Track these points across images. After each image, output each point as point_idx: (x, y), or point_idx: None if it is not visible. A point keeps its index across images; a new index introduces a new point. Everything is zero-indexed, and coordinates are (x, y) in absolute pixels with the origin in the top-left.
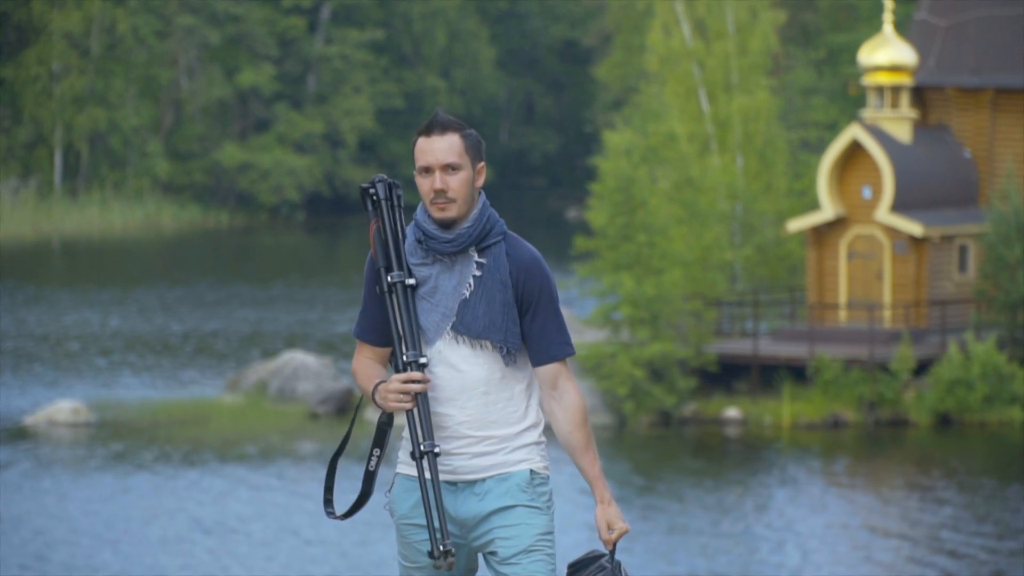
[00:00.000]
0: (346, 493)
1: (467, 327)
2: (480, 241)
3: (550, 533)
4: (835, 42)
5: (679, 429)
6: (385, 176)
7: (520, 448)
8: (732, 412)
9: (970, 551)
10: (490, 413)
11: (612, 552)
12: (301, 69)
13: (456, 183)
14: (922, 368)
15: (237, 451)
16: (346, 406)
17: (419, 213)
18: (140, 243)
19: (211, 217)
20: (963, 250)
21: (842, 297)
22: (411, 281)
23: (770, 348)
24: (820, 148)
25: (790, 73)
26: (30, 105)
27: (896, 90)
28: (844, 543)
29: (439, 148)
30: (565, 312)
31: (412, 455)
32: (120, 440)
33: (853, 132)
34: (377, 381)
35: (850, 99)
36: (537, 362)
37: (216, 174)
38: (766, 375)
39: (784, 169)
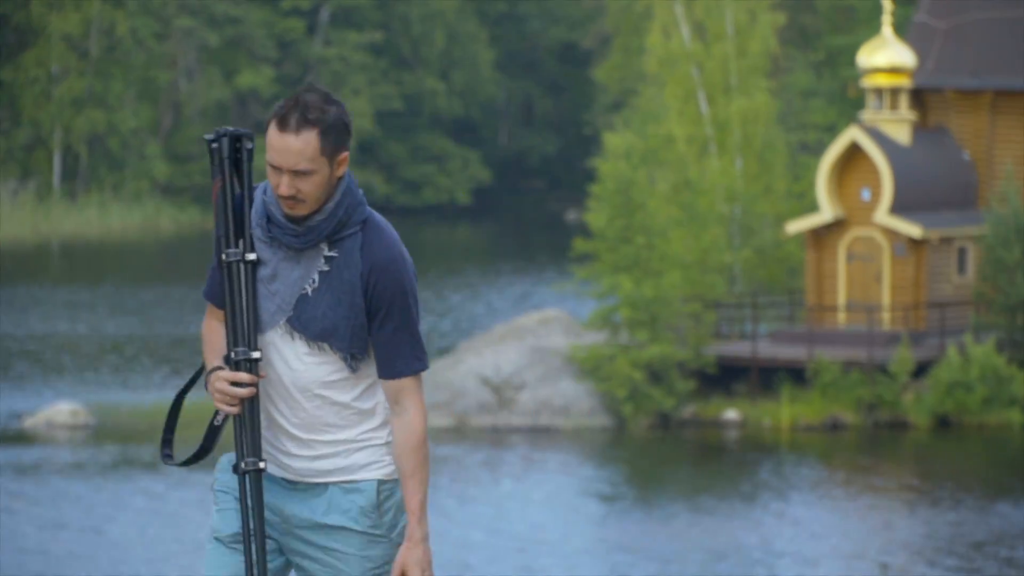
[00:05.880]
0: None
1: (304, 326)
2: (333, 233)
3: (388, 563)
4: (834, 44)
5: (678, 431)
6: (230, 128)
7: (365, 448)
8: (731, 414)
9: (969, 553)
10: (327, 415)
11: None
12: (300, 71)
13: (308, 186)
14: (921, 370)
15: None
16: None
17: (271, 188)
18: (139, 245)
19: (210, 219)
20: (962, 252)
21: (841, 299)
22: (251, 256)
23: (769, 350)
24: (819, 150)
25: (789, 75)
26: (29, 107)
27: (895, 92)
28: (842, 545)
29: (292, 149)
30: (563, 313)
31: (234, 468)
32: (118, 442)
33: (852, 134)
34: (215, 363)
35: (849, 101)
36: (382, 374)
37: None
38: (765, 377)
39: (783, 171)
